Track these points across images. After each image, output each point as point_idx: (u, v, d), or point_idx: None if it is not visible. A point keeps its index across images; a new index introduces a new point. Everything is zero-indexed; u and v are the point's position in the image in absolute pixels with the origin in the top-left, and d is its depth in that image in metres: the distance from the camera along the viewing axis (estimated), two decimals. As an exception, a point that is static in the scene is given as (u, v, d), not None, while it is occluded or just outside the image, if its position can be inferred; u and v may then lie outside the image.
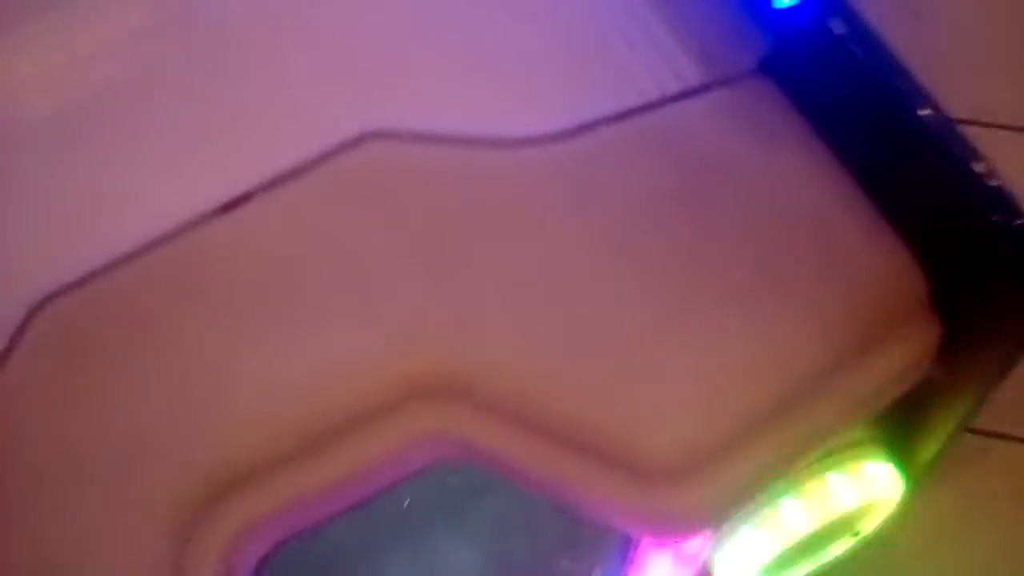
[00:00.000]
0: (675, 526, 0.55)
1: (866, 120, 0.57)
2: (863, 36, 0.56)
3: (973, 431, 0.87)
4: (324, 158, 0.58)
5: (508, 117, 0.60)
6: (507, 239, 0.56)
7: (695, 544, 0.61)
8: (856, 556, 0.75)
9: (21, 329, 0.55)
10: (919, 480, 0.69)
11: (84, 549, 0.51)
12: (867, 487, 0.66)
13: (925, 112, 0.54)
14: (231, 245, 0.57)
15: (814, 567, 0.73)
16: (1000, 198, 0.52)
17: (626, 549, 0.62)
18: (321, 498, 0.53)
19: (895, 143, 0.56)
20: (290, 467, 0.53)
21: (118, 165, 0.60)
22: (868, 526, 0.72)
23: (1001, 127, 1.05)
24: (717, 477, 0.53)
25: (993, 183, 0.52)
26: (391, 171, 0.58)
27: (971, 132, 0.54)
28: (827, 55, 0.57)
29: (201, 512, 0.51)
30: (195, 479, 0.52)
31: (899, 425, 0.65)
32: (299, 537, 0.55)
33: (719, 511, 0.55)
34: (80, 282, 0.56)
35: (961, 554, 0.90)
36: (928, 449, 0.66)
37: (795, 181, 0.58)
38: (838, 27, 0.56)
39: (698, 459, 0.52)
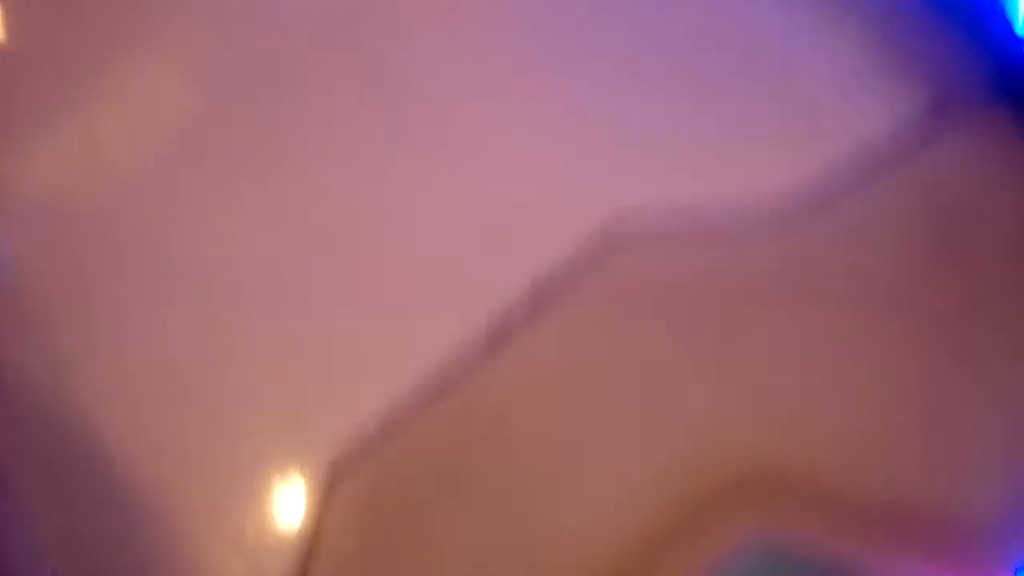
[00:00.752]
0: (982, 569, 0.58)
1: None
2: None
3: None
4: (578, 263, 0.58)
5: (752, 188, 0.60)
6: (785, 323, 0.57)
7: None
8: None
9: (326, 500, 0.55)
10: None
11: None
12: None
13: None
14: (513, 380, 0.57)
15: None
16: None
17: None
18: None
19: None
20: None
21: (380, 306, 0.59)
22: None
23: None
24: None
25: None
26: (649, 268, 0.58)
27: None
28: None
29: None
30: None
31: None
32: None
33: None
34: (366, 432, 0.56)
35: None
36: None
37: None
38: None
39: (1007, 511, 0.55)
